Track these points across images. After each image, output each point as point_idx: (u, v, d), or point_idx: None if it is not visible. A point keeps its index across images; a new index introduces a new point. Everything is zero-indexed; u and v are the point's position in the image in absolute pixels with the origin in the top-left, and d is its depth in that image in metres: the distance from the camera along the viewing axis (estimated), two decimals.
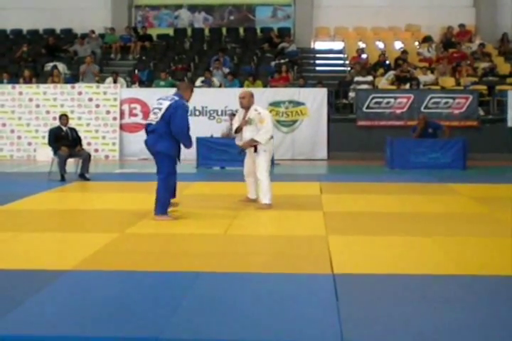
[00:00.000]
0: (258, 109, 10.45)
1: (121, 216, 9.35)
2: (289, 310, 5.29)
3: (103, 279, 6.30)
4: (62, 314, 5.17)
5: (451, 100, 20.31)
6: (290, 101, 20.15)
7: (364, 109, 20.56)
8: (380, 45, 25.77)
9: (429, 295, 5.72)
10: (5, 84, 21.29)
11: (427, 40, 24.96)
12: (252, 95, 10.70)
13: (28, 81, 21.56)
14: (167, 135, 9.28)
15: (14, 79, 21.91)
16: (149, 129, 9.45)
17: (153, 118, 9.36)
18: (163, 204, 9.33)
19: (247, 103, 10.55)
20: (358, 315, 5.17)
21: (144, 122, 19.89)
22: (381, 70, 22.65)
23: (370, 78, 21.90)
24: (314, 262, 6.90)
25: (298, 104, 20.17)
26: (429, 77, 21.95)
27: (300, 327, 4.87)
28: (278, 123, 19.92)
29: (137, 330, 4.78)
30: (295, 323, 4.95)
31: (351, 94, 21.48)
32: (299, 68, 23.90)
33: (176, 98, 9.45)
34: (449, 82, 21.95)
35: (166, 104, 9.36)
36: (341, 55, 25.78)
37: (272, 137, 10.51)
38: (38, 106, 20.58)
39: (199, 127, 19.41)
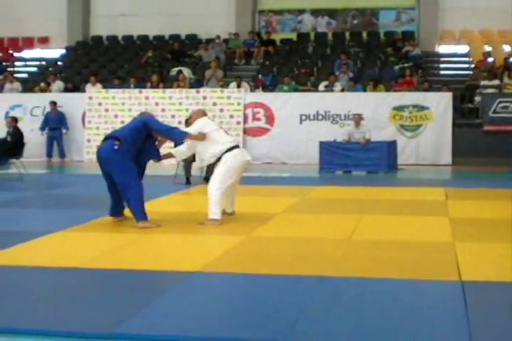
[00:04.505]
0: None
1: (244, 219, 9.42)
2: (416, 316, 5.21)
3: (229, 281, 6.37)
4: (187, 315, 5.23)
5: None
6: (414, 106, 19.87)
7: (490, 114, 20.11)
8: (507, 48, 25.19)
9: None
10: (132, 88, 21.78)
11: None
12: None
13: (155, 86, 22.00)
14: None
15: (141, 83, 22.41)
16: None
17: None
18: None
19: None
20: (488, 323, 5.05)
21: (265, 126, 20.30)
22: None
23: (496, 82, 21.42)
24: (441, 268, 6.77)
25: (422, 108, 19.87)
26: None
27: (428, 334, 4.79)
28: (402, 127, 19.75)
29: (261, 333, 4.79)
30: (423, 330, 4.87)
31: (477, 99, 21.08)
32: (423, 72, 23.59)
33: None
34: None
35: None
36: (466, 59, 25.31)
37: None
38: (163, 110, 20.96)
39: (322, 131, 19.50)
